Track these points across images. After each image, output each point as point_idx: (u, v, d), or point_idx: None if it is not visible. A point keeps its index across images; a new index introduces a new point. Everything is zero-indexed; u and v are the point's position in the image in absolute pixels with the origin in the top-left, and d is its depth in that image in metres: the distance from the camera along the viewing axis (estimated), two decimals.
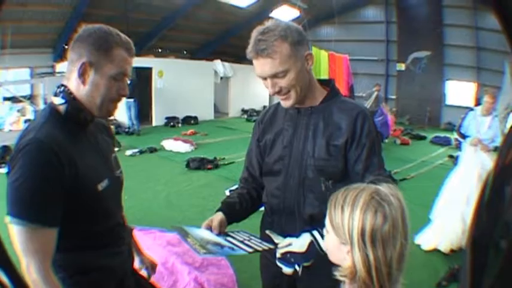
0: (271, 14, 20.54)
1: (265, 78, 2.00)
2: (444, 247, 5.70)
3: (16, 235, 1.57)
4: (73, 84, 1.80)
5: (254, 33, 1.97)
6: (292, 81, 1.97)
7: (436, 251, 5.74)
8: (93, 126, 1.98)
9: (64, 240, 1.69)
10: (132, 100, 14.44)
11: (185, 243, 1.86)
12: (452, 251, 5.68)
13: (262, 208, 2.42)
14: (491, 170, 1.06)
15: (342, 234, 1.38)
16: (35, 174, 1.60)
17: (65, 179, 1.65)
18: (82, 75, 1.77)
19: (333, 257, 1.50)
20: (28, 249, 1.57)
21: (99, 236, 1.90)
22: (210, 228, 2.04)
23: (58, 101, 1.80)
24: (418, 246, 5.87)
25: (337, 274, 1.44)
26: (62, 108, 1.79)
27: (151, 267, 2.52)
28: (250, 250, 1.89)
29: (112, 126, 13.69)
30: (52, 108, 1.81)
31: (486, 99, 5.96)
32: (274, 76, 1.97)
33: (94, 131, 1.99)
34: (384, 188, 1.41)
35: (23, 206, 1.60)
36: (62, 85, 1.83)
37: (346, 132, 2.04)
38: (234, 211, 2.23)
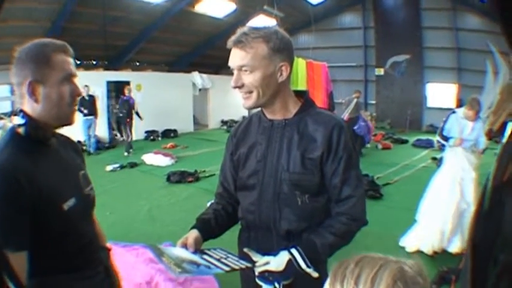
0: (248, 24, 20.59)
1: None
2: (426, 249, 5.74)
3: None
4: (28, 106, 1.79)
5: (243, 27, 1.99)
6: (256, 81, 1.95)
7: (420, 252, 5.76)
8: (58, 144, 1.94)
9: (35, 264, 1.64)
10: (92, 117, 13.91)
11: (160, 263, 1.81)
12: (435, 253, 5.71)
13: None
14: (490, 180, 1.02)
15: None
16: None
17: (28, 202, 1.62)
18: (33, 94, 1.75)
19: None
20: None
21: (70, 257, 1.86)
22: (185, 246, 1.99)
23: (18, 120, 1.78)
24: (403, 248, 5.92)
25: None
26: (21, 129, 1.76)
27: None
28: (227, 269, 1.85)
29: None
30: (13, 132, 1.78)
31: (469, 114, 5.89)
32: (240, 68, 1.96)
33: (59, 148, 1.95)
34: (409, 267, 1.02)
35: None
36: (20, 110, 1.82)
37: (322, 144, 1.99)
38: (210, 228, 2.19)
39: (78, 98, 1.90)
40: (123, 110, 14.23)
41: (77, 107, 1.94)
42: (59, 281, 1.80)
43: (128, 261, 4.79)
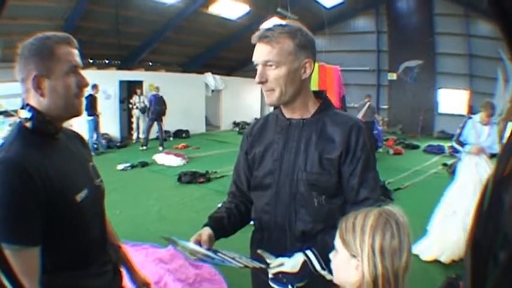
0: (262, 26, 20.58)
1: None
2: (445, 258, 5.68)
3: None
4: (34, 100, 1.78)
5: (268, 24, 2.01)
6: (281, 78, 1.94)
7: (435, 261, 5.72)
8: (66, 137, 1.94)
9: (46, 259, 1.63)
10: (95, 117, 13.88)
11: (175, 250, 1.82)
12: (453, 261, 5.65)
13: (252, 222, 2.35)
14: (490, 177, 1.02)
15: (353, 246, 1.46)
16: (8, 196, 1.56)
17: (39, 195, 1.61)
18: (38, 87, 1.74)
19: (340, 274, 1.56)
20: (16, 272, 1.49)
21: (81, 252, 1.84)
22: (198, 243, 1.98)
23: (25, 114, 1.77)
24: (416, 256, 5.82)
25: None
26: (29, 124, 1.75)
27: (144, 286, 2.44)
28: (241, 265, 1.85)
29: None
30: (20, 126, 1.77)
31: (484, 116, 6.02)
32: (265, 63, 1.95)
33: (66, 141, 1.94)
34: (389, 207, 1.53)
35: (1, 228, 1.56)
36: (26, 104, 1.80)
37: (340, 145, 1.98)
38: (222, 226, 2.18)
39: (86, 94, 1.89)
40: (162, 106, 15.22)
41: (84, 100, 1.93)
42: (68, 277, 1.79)
43: (136, 260, 4.75)
